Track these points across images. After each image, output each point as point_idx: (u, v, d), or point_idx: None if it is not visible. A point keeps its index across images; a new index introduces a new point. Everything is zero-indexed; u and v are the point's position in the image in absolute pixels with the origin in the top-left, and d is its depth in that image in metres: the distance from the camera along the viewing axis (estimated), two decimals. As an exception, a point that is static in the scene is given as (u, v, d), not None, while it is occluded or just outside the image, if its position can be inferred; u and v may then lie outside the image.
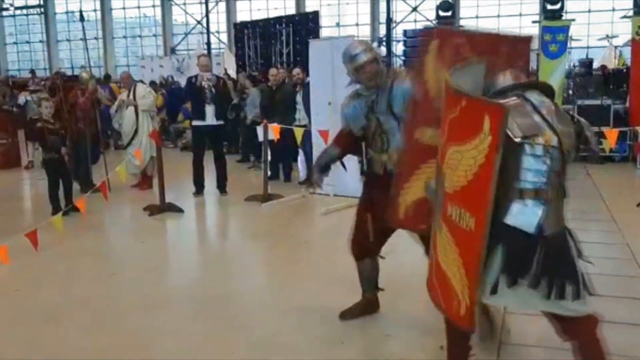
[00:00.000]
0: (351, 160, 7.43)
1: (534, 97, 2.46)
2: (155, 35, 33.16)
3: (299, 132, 7.64)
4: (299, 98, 8.25)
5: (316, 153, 7.60)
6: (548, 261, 2.39)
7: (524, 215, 2.36)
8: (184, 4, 31.50)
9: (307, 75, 8.18)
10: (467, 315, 2.40)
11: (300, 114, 8.22)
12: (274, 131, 7.55)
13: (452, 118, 2.37)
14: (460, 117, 2.31)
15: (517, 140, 2.29)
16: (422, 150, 2.93)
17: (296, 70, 8.73)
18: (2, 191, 8.55)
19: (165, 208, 6.87)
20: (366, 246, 3.70)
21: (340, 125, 3.77)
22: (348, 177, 7.37)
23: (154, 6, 32.66)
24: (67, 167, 7.12)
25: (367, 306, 3.81)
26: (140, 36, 33.73)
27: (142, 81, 13.65)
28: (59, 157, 6.79)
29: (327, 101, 7.27)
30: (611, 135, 7.05)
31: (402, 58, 13.44)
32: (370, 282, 3.79)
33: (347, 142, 3.70)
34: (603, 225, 6.02)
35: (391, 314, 3.75)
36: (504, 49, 2.87)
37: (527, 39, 3.15)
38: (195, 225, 6.88)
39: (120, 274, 4.89)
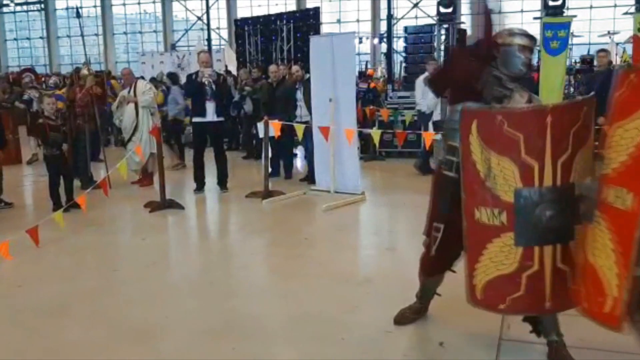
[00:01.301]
0: (350, 159, 7.49)
1: None
2: (155, 32, 33.17)
3: (299, 129, 7.66)
4: (299, 95, 8.25)
5: (317, 150, 7.64)
6: None
7: None
8: (185, 0, 31.53)
9: (307, 71, 8.18)
10: (613, 311, 2.30)
11: (301, 111, 8.22)
12: (274, 128, 7.56)
13: (618, 96, 2.35)
14: (625, 93, 2.30)
15: None
16: (484, 229, 2.80)
17: (295, 68, 8.73)
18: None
19: (166, 205, 6.87)
20: (447, 263, 3.35)
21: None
22: (347, 174, 7.43)
23: (154, 2, 32.66)
24: (68, 163, 7.14)
25: (421, 311, 3.71)
26: (140, 32, 33.73)
27: (142, 77, 13.67)
28: (60, 153, 6.80)
29: (328, 97, 7.28)
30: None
31: (403, 54, 13.40)
32: (431, 292, 3.62)
33: None
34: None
35: (390, 310, 3.76)
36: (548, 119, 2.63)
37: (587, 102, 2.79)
38: (196, 221, 6.90)
39: (121, 270, 4.91)
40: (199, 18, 28.71)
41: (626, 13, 11.52)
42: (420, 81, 8.68)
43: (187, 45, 30.24)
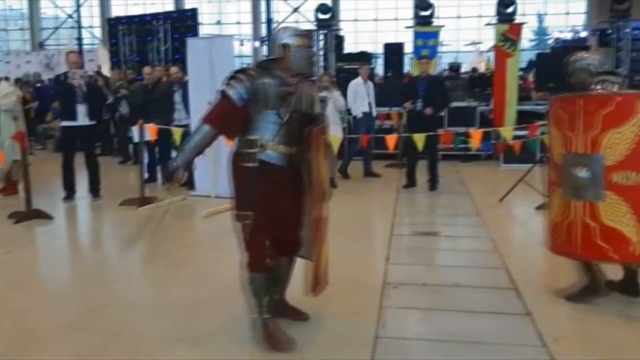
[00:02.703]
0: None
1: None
2: (22, 29, 30.92)
3: (177, 133, 7.47)
4: (177, 97, 8.05)
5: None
6: None
7: None
8: (54, -4, 29.67)
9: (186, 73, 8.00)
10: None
11: (180, 114, 8.02)
12: (150, 132, 7.31)
13: (607, 113, 3.42)
14: (617, 109, 3.40)
15: None
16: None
17: (174, 69, 8.50)
18: None
19: (32, 215, 6.43)
20: (266, 252, 3.38)
21: None
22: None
23: (20, -2, 30.47)
24: None
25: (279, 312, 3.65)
26: (5, 30, 31.29)
27: (7, 78, 12.69)
28: None
29: (207, 100, 7.15)
30: (476, 135, 7.57)
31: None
32: (268, 298, 3.44)
33: None
34: (469, 220, 6.43)
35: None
36: None
37: None
38: (67, 232, 6.50)
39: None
40: (70, 16, 27.11)
41: (488, 24, 12.40)
42: (352, 86, 8.81)
43: (56, 44, 28.47)
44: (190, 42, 7.86)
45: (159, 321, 3.82)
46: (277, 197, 3.27)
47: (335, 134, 7.78)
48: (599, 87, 3.82)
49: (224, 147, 7.09)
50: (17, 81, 13.77)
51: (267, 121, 3.22)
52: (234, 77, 3.25)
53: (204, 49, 7.28)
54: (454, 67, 12.81)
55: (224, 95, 3.23)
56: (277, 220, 3.29)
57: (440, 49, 11.77)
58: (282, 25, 3.16)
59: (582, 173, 3.54)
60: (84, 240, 6.41)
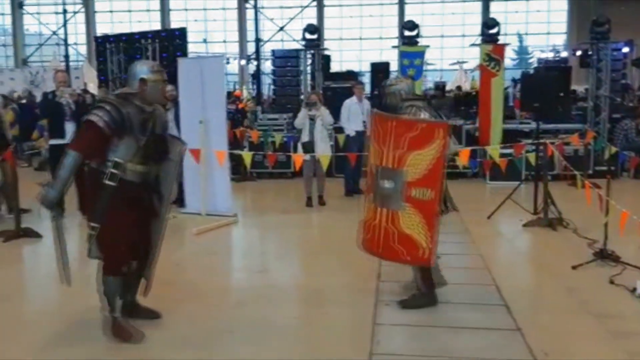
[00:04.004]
0: (222, 180, 7.45)
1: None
2: (4, 46, 30.79)
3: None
4: (170, 116, 8.06)
5: (188, 172, 7.51)
6: None
7: None
8: (38, 13, 29.62)
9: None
10: (429, 257, 3.92)
11: (172, 132, 8.02)
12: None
13: (412, 136, 3.88)
14: (421, 134, 3.88)
15: None
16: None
17: (169, 87, 8.51)
18: None
19: (21, 233, 6.39)
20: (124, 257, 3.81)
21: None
22: (219, 196, 7.38)
23: (3, 14, 30.38)
24: None
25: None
26: (-12, 46, 31.14)
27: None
28: None
29: (198, 119, 7.21)
30: (463, 153, 7.67)
31: (272, 77, 13.61)
32: (116, 298, 3.81)
33: None
34: (457, 237, 6.49)
35: (263, 333, 3.79)
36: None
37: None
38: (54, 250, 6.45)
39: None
40: (54, 32, 27.09)
41: (473, 44, 12.63)
42: (346, 105, 8.84)
43: (40, 60, 28.37)
44: (182, 61, 7.92)
45: (152, 338, 3.82)
46: (131, 210, 3.69)
47: (323, 151, 7.85)
48: (407, 111, 4.25)
49: (215, 165, 7.18)
50: (4, 97, 13.69)
51: (127, 144, 3.62)
52: (99, 106, 3.62)
53: (195, 68, 7.34)
54: (440, 86, 13.00)
55: (90, 123, 3.55)
56: (131, 230, 3.71)
57: (424, 67, 11.92)
58: (140, 61, 3.55)
59: (388, 184, 3.99)
60: (72, 258, 6.34)
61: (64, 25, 21.63)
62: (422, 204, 3.88)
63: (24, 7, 29.82)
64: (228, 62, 27.00)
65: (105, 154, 3.61)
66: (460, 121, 10.79)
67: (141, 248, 3.87)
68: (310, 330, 4.00)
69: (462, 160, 7.68)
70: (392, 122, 4.00)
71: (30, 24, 30.53)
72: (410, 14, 26.15)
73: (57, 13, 26.91)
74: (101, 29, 27.33)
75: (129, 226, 3.68)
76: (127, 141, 3.61)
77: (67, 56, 20.38)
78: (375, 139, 4.14)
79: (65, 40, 21.52)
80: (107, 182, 3.60)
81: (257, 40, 13.91)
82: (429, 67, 15.00)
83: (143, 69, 3.75)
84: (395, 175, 3.96)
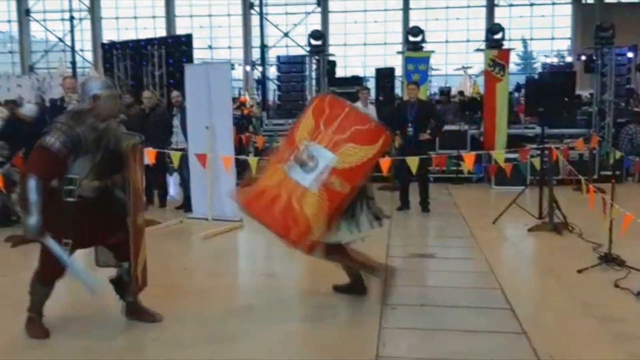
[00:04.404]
0: (228, 186, 7.50)
1: None
2: (11, 52, 31.03)
3: (175, 156, 7.55)
4: (176, 121, 8.14)
5: (194, 177, 7.58)
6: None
7: None
8: (44, 20, 29.85)
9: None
10: (310, 245, 3.92)
11: (178, 137, 8.11)
12: (149, 156, 7.38)
13: (358, 129, 3.92)
14: (367, 131, 3.95)
15: None
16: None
17: (175, 93, 8.61)
18: None
19: (29, 239, 6.43)
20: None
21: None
22: (225, 201, 7.42)
23: (10, 21, 30.62)
24: None
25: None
26: (-6, 53, 31.38)
27: (-1, 102, 12.69)
28: None
29: (205, 125, 7.27)
30: (468, 158, 7.71)
31: (277, 83, 13.69)
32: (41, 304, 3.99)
33: None
34: (463, 242, 6.54)
35: (272, 335, 3.82)
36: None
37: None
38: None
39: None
40: (60, 39, 27.28)
41: (478, 50, 12.67)
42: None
43: (47, 67, 28.56)
44: (188, 67, 8.00)
45: (149, 342, 3.87)
46: (91, 222, 3.77)
47: (329, 157, 7.89)
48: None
49: (221, 170, 7.24)
50: (14, 103, 13.80)
51: (82, 163, 3.71)
52: (52, 129, 3.65)
53: (201, 74, 7.41)
54: (444, 91, 13.05)
55: (44, 149, 3.61)
56: (94, 239, 3.92)
57: (429, 72, 11.98)
58: (91, 76, 3.86)
59: (312, 163, 3.92)
60: (83, 262, 6.42)
61: (71, 31, 21.78)
62: (334, 194, 3.88)
63: (31, 14, 30.04)
64: (233, 68, 27.15)
65: (63, 173, 3.71)
66: (465, 126, 10.83)
67: (121, 248, 3.94)
68: (316, 334, 4.03)
69: (468, 165, 7.73)
70: (346, 109, 4.04)
71: (36, 30, 30.75)
72: (414, 20, 26.26)
73: (63, 20, 27.11)
74: (107, 35, 27.51)
75: (87, 237, 3.84)
76: (81, 160, 3.70)
77: (73, 62, 20.53)
78: (315, 114, 4.08)
79: (72, 46, 21.68)
80: (66, 199, 3.70)
81: (262, 47, 14.01)
82: (434, 73, 15.04)
83: (95, 85, 3.84)
84: (324, 156, 3.91)
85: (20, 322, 4.17)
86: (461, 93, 16.19)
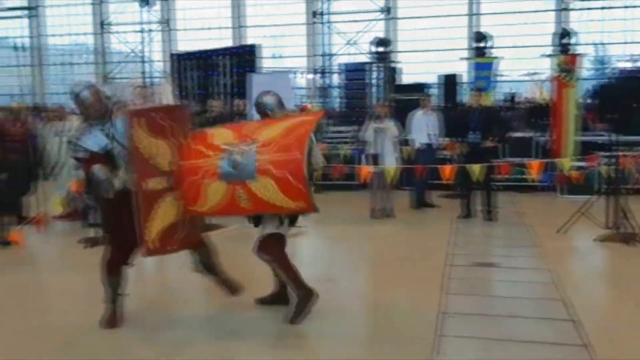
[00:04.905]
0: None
1: None
2: (89, 63, 32.58)
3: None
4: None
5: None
6: None
7: None
8: (121, 32, 31.20)
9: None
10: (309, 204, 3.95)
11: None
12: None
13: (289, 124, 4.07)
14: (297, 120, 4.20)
15: None
16: (152, 194, 3.92)
17: (216, 103, 8.89)
18: None
19: (100, 241, 6.77)
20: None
21: None
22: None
23: (88, 33, 32.18)
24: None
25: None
26: (73, 64, 33.03)
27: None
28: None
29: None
30: (534, 166, 7.53)
31: (340, 90, 13.81)
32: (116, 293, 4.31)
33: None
34: (527, 251, 6.38)
35: (325, 340, 3.87)
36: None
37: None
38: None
39: (55, 304, 4.88)
40: (134, 50, 28.40)
41: (544, 55, 12.35)
42: (415, 117, 8.91)
43: (121, 77, 29.83)
44: (253, 76, 8.22)
45: (213, 341, 3.99)
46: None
47: (389, 164, 7.89)
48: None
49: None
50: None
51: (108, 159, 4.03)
52: (74, 143, 4.10)
53: (265, 82, 7.61)
54: (511, 98, 12.76)
55: (78, 160, 4.17)
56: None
57: (496, 78, 11.77)
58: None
59: (241, 159, 3.96)
60: (150, 265, 6.69)
61: (142, 43, 22.70)
62: (284, 182, 3.84)
63: (108, 27, 31.49)
64: (295, 76, 27.50)
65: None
66: (531, 133, 10.56)
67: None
68: (371, 338, 4.06)
69: (533, 172, 7.55)
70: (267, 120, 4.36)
71: (113, 42, 32.17)
72: (483, 25, 25.80)
73: (137, 32, 28.27)
74: (179, 46, 28.47)
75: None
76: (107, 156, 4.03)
77: (145, 73, 21.37)
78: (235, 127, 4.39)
79: (143, 57, 22.58)
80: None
81: (324, 55, 14.20)
82: (500, 79, 14.71)
83: (78, 91, 4.07)
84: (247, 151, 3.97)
85: (87, 315, 4.42)
86: (529, 100, 15.76)
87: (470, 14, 27.76)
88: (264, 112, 4.57)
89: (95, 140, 4.02)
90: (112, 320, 4.25)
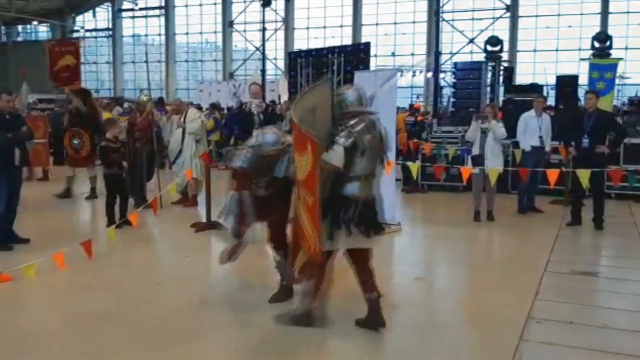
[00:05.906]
0: (388, 189, 7.68)
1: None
2: (215, 60, 34.41)
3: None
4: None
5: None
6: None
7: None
8: (245, 30, 32.66)
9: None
10: (317, 252, 3.72)
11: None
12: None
13: (294, 136, 3.86)
14: (298, 136, 3.74)
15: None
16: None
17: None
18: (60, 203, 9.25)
19: (211, 226, 7.25)
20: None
21: None
22: (385, 204, 7.63)
23: (215, 32, 33.97)
24: (125, 183, 7.62)
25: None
26: (201, 60, 35.07)
27: (197, 105, 14.28)
28: (119, 173, 7.31)
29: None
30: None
31: (453, 89, 13.61)
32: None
33: None
34: (634, 263, 6.05)
35: (412, 336, 3.94)
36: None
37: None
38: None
39: (164, 283, 5.30)
40: (257, 49, 29.61)
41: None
42: (523, 118, 8.70)
43: (244, 74, 31.25)
44: (357, 74, 8.37)
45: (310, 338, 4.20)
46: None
47: (494, 165, 7.73)
48: (338, 128, 4.01)
49: (383, 174, 7.45)
50: (212, 106, 15.49)
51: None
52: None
53: (369, 80, 7.71)
54: (635, 102, 11.95)
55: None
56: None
57: (621, 81, 11.07)
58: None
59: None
60: (251, 249, 7.07)
61: (263, 41, 23.65)
62: (307, 204, 3.74)
63: (233, 26, 33.05)
64: (414, 75, 27.32)
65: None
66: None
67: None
68: (454, 337, 4.08)
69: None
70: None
71: (238, 40, 33.73)
72: (612, 24, 24.21)
73: (260, 30, 29.46)
74: (298, 45, 29.35)
75: None
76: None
77: (263, 70, 22.27)
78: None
79: (263, 55, 23.52)
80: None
81: (437, 53, 14.04)
82: (625, 81, 13.80)
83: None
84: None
85: (185, 296, 4.79)
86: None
87: (604, 13, 26.14)
88: (340, 104, 4.19)
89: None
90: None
